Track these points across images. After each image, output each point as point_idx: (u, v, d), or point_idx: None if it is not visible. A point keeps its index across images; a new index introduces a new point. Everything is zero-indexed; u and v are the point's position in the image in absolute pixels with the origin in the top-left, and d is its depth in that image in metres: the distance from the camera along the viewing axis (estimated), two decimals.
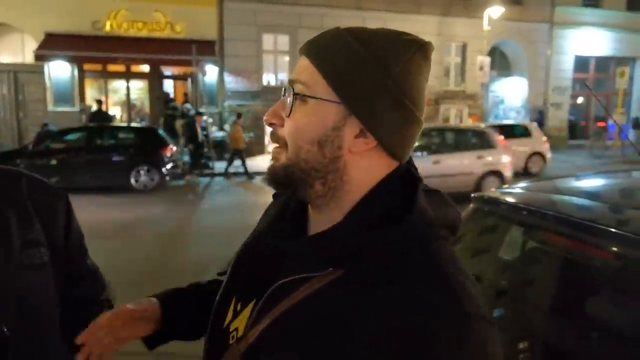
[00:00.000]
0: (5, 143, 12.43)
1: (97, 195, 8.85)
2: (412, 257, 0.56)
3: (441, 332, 0.51)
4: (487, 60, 14.36)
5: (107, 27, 12.89)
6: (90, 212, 7.30)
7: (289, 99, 0.63)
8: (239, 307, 0.69)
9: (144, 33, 13.13)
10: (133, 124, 12.89)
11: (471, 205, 1.96)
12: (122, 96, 14.47)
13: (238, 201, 8.95)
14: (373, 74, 0.60)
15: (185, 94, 14.34)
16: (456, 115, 15.06)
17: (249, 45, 13.69)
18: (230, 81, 13.64)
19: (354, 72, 0.60)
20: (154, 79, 14.13)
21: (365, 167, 0.63)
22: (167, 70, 14.61)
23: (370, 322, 0.53)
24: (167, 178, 9.93)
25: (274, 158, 0.65)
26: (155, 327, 0.86)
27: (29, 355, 0.97)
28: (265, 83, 14.07)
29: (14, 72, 13.07)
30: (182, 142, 11.57)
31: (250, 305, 0.66)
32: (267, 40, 14.02)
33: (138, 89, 14.62)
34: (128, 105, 14.39)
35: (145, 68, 13.83)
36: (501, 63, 17.06)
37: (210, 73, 13.07)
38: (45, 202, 1.08)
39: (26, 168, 8.90)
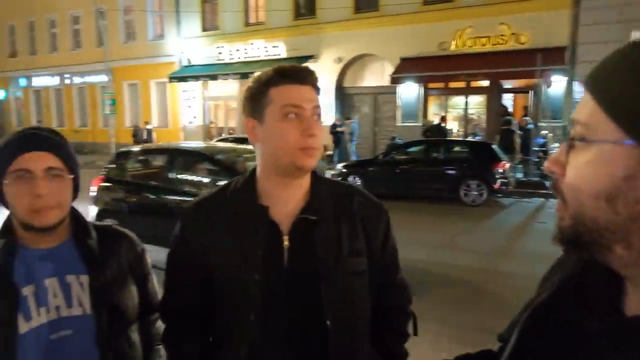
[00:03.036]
0: (362, 153, 14.98)
1: (429, 204, 9.43)
2: None
3: None
4: None
5: (452, 47, 13.61)
6: (419, 220, 7.83)
7: (567, 144, 0.52)
8: None
9: (487, 48, 13.18)
10: (468, 139, 13.15)
11: None
12: (460, 111, 15.00)
13: None
14: None
15: (525, 107, 13.57)
16: None
17: (609, 48, 11.58)
18: (582, 91, 11.98)
19: None
20: (493, 93, 13.99)
21: None
22: (508, 84, 14.20)
23: None
24: (498, 195, 9.61)
25: (559, 217, 0.54)
26: None
27: (343, 349, 1.09)
28: None
29: (375, 94, 15.63)
30: (518, 158, 10.98)
31: None
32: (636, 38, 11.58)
33: (476, 103, 14.82)
34: (465, 119, 14.80)
35: (485, 83, 13.87)
36: None
37: (557, 83, 11.87)
38: (371, 218, 1.19)
39: (375, 174, 10.66)
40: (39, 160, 1.11)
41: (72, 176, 1.17)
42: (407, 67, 13.94)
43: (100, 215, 5.39)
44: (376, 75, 15.62)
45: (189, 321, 1.19)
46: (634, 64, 0.48)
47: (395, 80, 14.12)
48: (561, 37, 12.03)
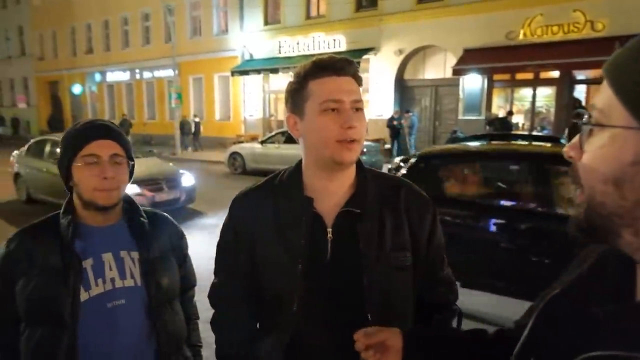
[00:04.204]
0: (422, 147, 14.68)
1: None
2: None
3: None
4: None
5: (521, 36, 12.99)
6: None
7: (585, 129, 0.53)
8: None
9: (558, 37, 12.46)
10: (534, 133, 12.52)
11: None
12: (527, 104, 14.30)
13: None
14: None
15: None
16: None
17: None
18: None
19: None
20: (564, 85, 13.21)
21: None
22: (581, 75, 13.35)
23: None
24: None
25: (577, 204, 0.55)
26: None
27: None
28: None
29: (436, 86, 15.26)
30: None
31: None
32: None
33: (545, 96, 14.06)
34: (532, 113, 14.10)
35: (555, 74, 13.13)
36: None
37: None
38: (417, 212, 1.17)
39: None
40: (107, 148, 1.28)
41: (131, 162, 1.34)
42: (470, 59, 13.47)
43: None
44: (438, 67, 15.24)
45: (237, 308, 1.21)
46: None
47: (458, 72, 13.70)
48: None
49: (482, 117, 13.77)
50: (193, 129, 19.00)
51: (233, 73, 19.12)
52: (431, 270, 1.20)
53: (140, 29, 23.70)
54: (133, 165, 1.36)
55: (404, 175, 3.93)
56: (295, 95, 1.11)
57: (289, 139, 11.26)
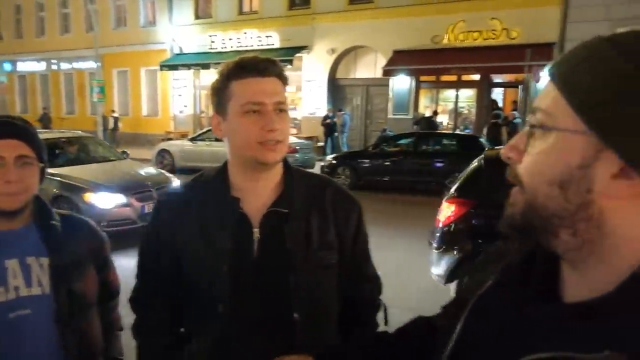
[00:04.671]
0: (353, 145, 15.06)
1: (418, 196, 9.55)
2: None
3: None
4: None
5: (445, 40, 13.70)
6: (407, 211, 7.93)
7: (526, 131, 0.54)
8: None
9: (478, 42, 13.30)
10: (457, 132, 13.29)
11: None
12: (451, 104, 15.15)
13: None
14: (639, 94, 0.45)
15: (515, 102, 13.75)
16: None
17: None
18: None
19: (609, 94, 0.47)
20: (483, 87, 14.15)
21: (636, 217, 0.48)
22: (498, 78, 14.35)
23: None
24: None
25: (511, 202, 0.55)
26: None
27: (310, 340, 1.08)
28: None
29: (367, 85, 15.68)
30: None
31: None
32: None
33: (466, 97, 14.97)
34: (455, 113, 14.95)
35: (475, 77, 14.01)
36: None
37: (545, 78, 12.02)
38: (343, 211, 1.19)
39: (365, 166, 10.74)
40: (11, 148, 1.16)
41: (41, 164, 1.23)
42: (399, 60, 14.00)
43: None
44: (369, 67, 15.66)
45: (160, 313, 1.18)
46: (599, 59, 0.49)
47: (388, 72, 14.18)
48: (550, 33, 12.21)
49: (410, 116, 14.37)
50: (112, 125, 18.02)
51: (162, 67, 18.36)
52: (356, 268, 1.22)
53: (57, 16, 21.99)
54: (44, 168, 1.25)
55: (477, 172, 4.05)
56: (219, 95, 1.10)
57: None
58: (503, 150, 0.56)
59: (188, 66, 17.81)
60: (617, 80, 0.47)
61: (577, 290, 0.52)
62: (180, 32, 18.58)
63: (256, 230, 1.10)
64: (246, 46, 16.74)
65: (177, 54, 18.73)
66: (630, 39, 0.49)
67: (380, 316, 1.31)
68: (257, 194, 1.12)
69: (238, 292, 1.08)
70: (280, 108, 1.07)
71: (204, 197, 1.14)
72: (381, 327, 1.31)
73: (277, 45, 16.20)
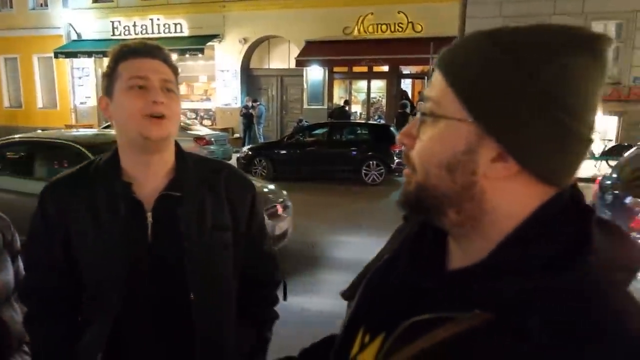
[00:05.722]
0: (270, 136, 14.98)
1: (334, 185, 9.77)
2: (590, 312, 0.46)
3: None
4: None
5: (355, 32, 14.03)
6: (322, 201, 8.09)
7: (418, 118, 0.57)
8: (366, 339, 0.63)
9: (387, 35, 13.79)
10: (370, 121, 13.75)
11: None
12: (363, 95, 15.60)
13: None
14: (513, 85, 0.49)
15: (420, 92, 14.51)
16: None
17: None
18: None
19: (488, 84, 0.51)
20: (393, 79, 14.74)
21: (510, 196, 0.53)
22: (406, 70, 15.02)
23: None
24: (395, 174, 10.24)
25: (406, 182, 0.60)
26: None
27: (208, 320, 1.11)
28: None
29: (281, 76, 15.62)
30: None
31: (380, 339, 0.60)
32: None
33: (378, 88, 15.51)
34: (368, 103, 15.43)
35: (385, 68, 14.54)
36: None
37: None
38: (237, 192, 1.21)
39: (281, 157, 10.75)
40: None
41: None
42: (312, 51, 14.11)
43: None
44: (282, 58, 15.60)
45: (51, 303, 1.16)
46: (479, 51, 0.53)
47: (301, 63, 14.24)
48: (451, 28, 12.98)
49: (325, 106, 14.59)
50: None
51: (57, 54, 16.84)
52: (253, 247, 1.25)
53: None
54: None
55: None
56: (107, 79, 1.10)
57: None
58: (399, 137, 0.60)
59: (89, 54, 16.51)
60: (494, 72, 0.50)
61: (460, 262, 0.57)
62: (77, 16, 17.13)
63: (149, 215, 1.10)
64: (152, 33, 15.89)
65: (75, 40, 17.28)
66: (507, 33, 0.52)
67: (279, 293, 1.36)
68: (149, 179, 1.12)
69: (133, 277, 1.08)
70: (168, 87, 1.08)
71: (94, 184, 1.12)
72: (280, 303, 1.37)
73: (186, 33, 15.56)
